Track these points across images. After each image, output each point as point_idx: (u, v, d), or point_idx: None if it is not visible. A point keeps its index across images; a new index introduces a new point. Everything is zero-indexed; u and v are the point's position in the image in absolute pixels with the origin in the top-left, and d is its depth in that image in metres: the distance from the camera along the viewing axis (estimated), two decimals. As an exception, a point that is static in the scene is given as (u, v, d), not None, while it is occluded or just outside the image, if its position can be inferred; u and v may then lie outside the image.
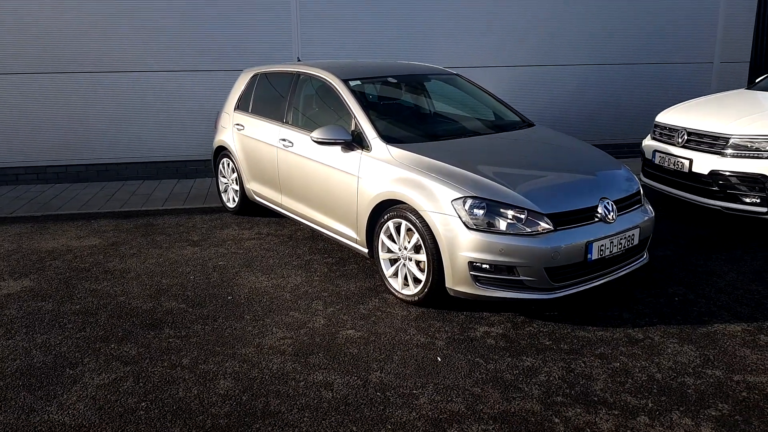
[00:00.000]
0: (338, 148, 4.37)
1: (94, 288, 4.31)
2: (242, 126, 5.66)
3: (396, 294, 4.01)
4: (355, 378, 3.12)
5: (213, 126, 6.39)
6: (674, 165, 5.51)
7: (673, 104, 6.32)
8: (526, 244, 3.47)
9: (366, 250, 4.26)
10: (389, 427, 2.74)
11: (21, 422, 2.80)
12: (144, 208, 6.27)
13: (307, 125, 4.91)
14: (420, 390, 3.01)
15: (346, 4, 7.59)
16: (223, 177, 6.13)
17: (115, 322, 3.79)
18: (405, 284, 3.96)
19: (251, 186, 5.64)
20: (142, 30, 7.28)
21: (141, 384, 3.09)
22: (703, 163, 5.22)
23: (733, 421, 2.75)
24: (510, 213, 3.54)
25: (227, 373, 3.18)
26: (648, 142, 6.03)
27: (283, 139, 5.00)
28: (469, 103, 5.31)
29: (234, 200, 6.01)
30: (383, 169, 4.04)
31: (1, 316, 3.89)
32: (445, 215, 3.61)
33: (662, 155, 5.68)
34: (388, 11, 7.69)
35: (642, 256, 4.11)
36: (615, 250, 3.74)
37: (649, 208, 4.17)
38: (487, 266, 3.53)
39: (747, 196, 4.98)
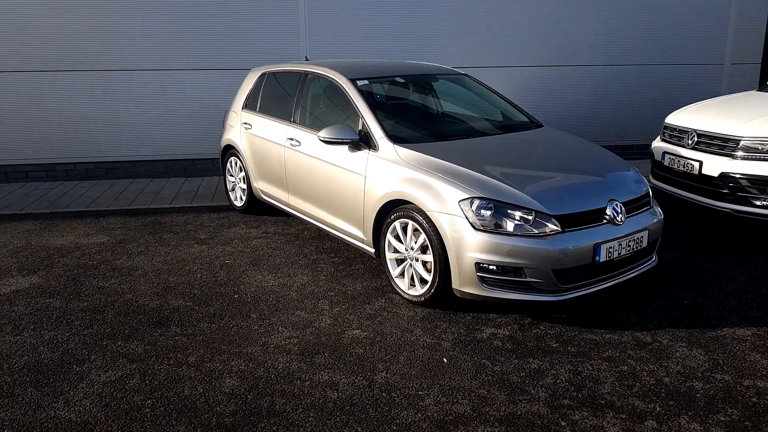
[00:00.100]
0: (345, 147, 4.37)
1: (102, 285, 4.32)
2: (250, 125, 5.67)
3: (402, 294, 4.00)
4: (361, 378, 3.12)
5: (221, 125, 6.40)
6: (684, 167, 5.47)
7: (683, 105, 6.27)
8: (533, 246, 3.45)
9: (372, 250, 4.25)
10: (394, 428, 2.73)
11: (28, 418, 2.82)
12: (152, 206, 6.29)
13: (315, 124, 4.91)
14: (426, 391, 3.00)
15: (355, 4, 7.59)
16: (231, 176, 6.14)
17: (122, 319, 3.80)
18: (411, 284, 3.95)
19: (258, 185, 5.65)
20: (151, 28, 7.31)
21: (147, 381, 3.10)
22: (714, 165, 5.18)
23: (743, 427, 2.73)
24: (517, 214, 3.52)
25: (233, 372, 3.18)
26: (657, 144, 5.99)
27: (291, 138, 5.00)
28: (477, 104, 5.29)
29: (241, 199, 6.02)
30: (390, 169, 4.03)
31: (9, 312, 3.91)
32: (452, 216, 3.60)
33: (672, 157, 5.64)
34: (396, 11, 7.68)
35: (651, 258, 4.08)
36: (623, 252, 3.71)
37: (658, 210, 4.14)
38: (494, 267, 3.51)
39: (757, 198, 4.93)
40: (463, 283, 3.60)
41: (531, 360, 3.28)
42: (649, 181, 5.84)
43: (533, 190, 3.65)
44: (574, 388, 3.02)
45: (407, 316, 3.79)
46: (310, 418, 2.80)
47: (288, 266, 4.63)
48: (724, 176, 5.09)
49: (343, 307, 3.93)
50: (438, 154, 3.99)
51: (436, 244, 3.66)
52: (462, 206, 3.58)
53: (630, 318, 3.75)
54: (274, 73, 5.72)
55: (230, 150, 6.05)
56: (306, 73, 5.21)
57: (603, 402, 2.91)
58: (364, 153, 4.25)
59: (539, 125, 4.95)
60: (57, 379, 3.13)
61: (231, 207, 6.20)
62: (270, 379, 3.12)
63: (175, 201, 6.52)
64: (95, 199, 6.64)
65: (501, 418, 2.79)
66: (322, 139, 4.34)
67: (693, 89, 8.47)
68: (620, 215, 3.70)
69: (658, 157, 5.88)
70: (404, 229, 3.93)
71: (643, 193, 4.02)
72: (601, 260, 3.60)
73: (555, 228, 3.50)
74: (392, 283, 4.08)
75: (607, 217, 3.66)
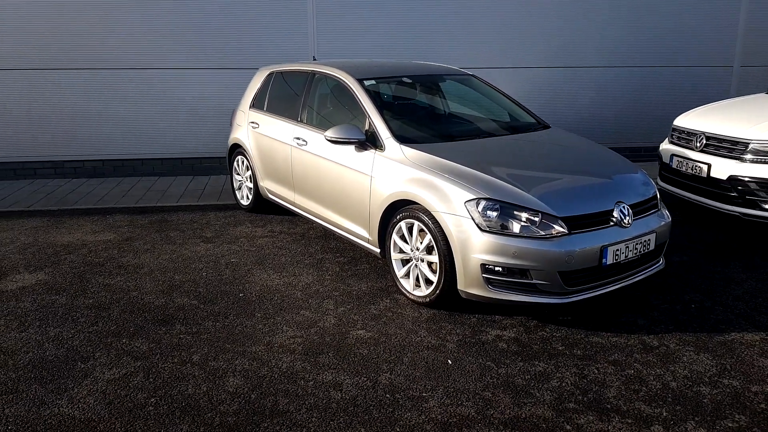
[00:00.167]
0: (352, 147, 4.36)
1: (108, 283, 4.33)
2: (257, 124, 5.67)
3: (407, 295, 3.99)
4: (365, 379, 3.10)
5: (229, 123, 6.41)
6: (692, 169, 5.43)
7: (692, 108, 6.23)
8: (539, 248, 3.43)
9: (378, 250, 4.24)
10: (398, 429, 2.72)
11: (32, 415, 2.82)
12: (159, 204, 6.31)
13: (322, 124, 4.90)
14: (430, 393, 2.99)
15: (363, 4, 7.58)
16: (238, 174, 6.15)
17: (127, 317, 3.81)
18: (416, 285, 3.94)
19: (265, 184, 5.65)
20: (159, 28, 7.33)
21: (151, 379, 3.10)
22: (722, 168, 5.14)
23: (749, 432, 2.70)
24: (524, 215, 3.50)
25: (237, 371, 3.17)
26: (666, 146, 5.95)
27: (297, 138, 5.00)
28: (484, 104, 5.27)
29: (248, 198, 6.02)
30: (396, 169, 4.02)
31: (15, 308, 3.92)
32: (458, 216, 3.58)
33: (680, 159, 5.60)
34: (404, 11, 7.67)
35: (658, 261, 4.05)
36: (630, 255, 3.68)
37: (666, 213, 4.11)
38: (500, 269, 3.49)
39: (766, 202, 4.89)
40: (469, 284, 3.59)
41: (536, 363, 3.26)
42: (656, 183, 5.80)
43: (540, 191, 3.63)
44: (580, 392, 3.00)
45: (412, 317, 3.77)
46: (313, 419, 2.79)
47: (293, 265, 4.63)
48: (732, 179, 5.05)
49: (348, 307, 3.93)
50: (444, 154, 3.97)
51: (442, 244, 3.65)
52: (468, 207, 3.56)
53: (637, 321, 3.72)
54: (281, 73, 5.72)
55: (237, 149, 6.05)
56: (313, 73, 5.20)
57: (609, 406, 2.88)
58: (371, 153, 4.24)
59: (546, 126, 4.93)
60: (61, 376, 3.13)
61: (237, 206, 6.21)
62: (274, 378, 3.11)
63: (182, 199, 6.53)
64: (103, 196, 6.66)
65: (505, 421, 2.77)
66: (328, 138, 4.33)
67: (702, 91, 8.42)
68: (627, 217, 3.67)
69: (666, 160, 5.84)
70: (410, 229, 3.91)
71: (650, 196, 3.99)
72: (607, 263, 3.57)
73: (561, 230, 3.48)
74: (397, 283, 4.07)
75: (614, 219, 3.64)
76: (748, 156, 5.00)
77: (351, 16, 7.60)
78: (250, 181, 5.90)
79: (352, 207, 4.40)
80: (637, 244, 3.70)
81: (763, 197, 4.91)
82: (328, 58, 7.08)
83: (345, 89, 4.73)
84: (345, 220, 4.54)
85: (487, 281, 3.53)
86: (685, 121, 5.83)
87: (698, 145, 5.44)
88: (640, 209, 3.84)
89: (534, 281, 3.48)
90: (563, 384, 3.06)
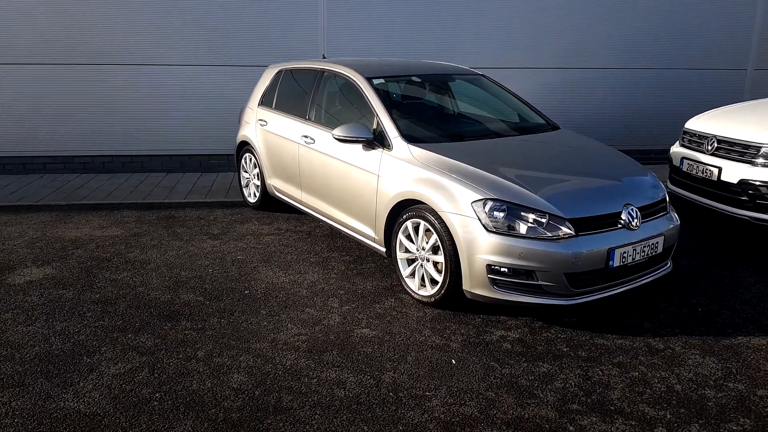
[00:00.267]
0: (359, 146, 4.36)
1: (114, 278, 4.36)
2: (265, 122, 5.68)
3: (412, 294, 3.99)
4: (368, 377, 3.10)
5: (237, 121, 6.43)
6: (703, 173, 5.39)
7: (703, 111, 6.18)
8: (546, 249, 3.41)
9: (384, 249, 4.24)
10: (401, 428, 2.72)
11: (38, 408, 2.84)
12: (166, 201, 6.33)
13: (330, 122, 4.90)
14: (433, 392, 2.99)
15: (374, 3, 7.58)
16: (245, 172, 6.16)
17: (134, 312, 3.82)
18: (422, 285, 3.93)
19: (272, 182, 5.66)
20: (168, 24, 7.35)
21: (156, 375, 3.11)
22: (733, 171, 5.10)
23: (755, 438, 2.68)
24: (531, 216, 3.49)
25: (241, 368, 3.18)
26: (676, 149, 5.91)
27: (305, 136, 5.01)
28: (494, 105, 5.26)
29: (255, 195, 6.03)
30: (403, 169, 4.02)
31: (22, 302, 3.95)
32: (465, 217, 3.57)
33: (690, 162, 5.56)
34: (415, 10, 7.66)
35: (665, 264, 4.02)
36: (638, 257, 3.66)
37: (675, 216, 4.08)
38: (506, 270, 3.48)
39: (777, 206, 4.85)
40: (474, 284, 3.58)
41: (540, 363, 3.25)
42: (666, 186, 5.77)
43: (548, 192, 3.61)
44: (584, 393, 2.98)
45: (417, 317, 3.77)
46: (316, 416, 2.79)
47: (299, 263, 4.64)
48: (743, 183, 5.01)
49: (353, 305, 3.93)
50: (452, 154, 3.97)
51: (448, 244, 3.64)
52: (475, 207, 3.56)
53: (643, 324, 3.70)
54: (290, 71, 5.73)
55: (245, 146, 6.07)
56: (322, 71, 5.21)
57: (612, 408, 2.87)
58: (378, 152, 4.23)
59: (556, 127, 4.91)
60: (67, 370, 3.15)
61: (244, 203, 6.23)
62: (278, 375, 3.12)
63: (190, 196, 6.56)
64: (111, 192, 6.70)
65: (508, 421, 2.76)
66: (336, 137, 4.33)
67: (714, 94, 8.34)
68: (635, 220, 3.65)
69: (676, 163, 5.80)
70: (416, 229, 3.91)
71: (659, 199, 3.97)
72: (614, 265, 3.55)
73: (569, 231, 3.46)
74: (402, 282, 4.07)
75: (622, 221, 3.62)
76: (760, 160, 4.96)
77: (362, 14, 7.60)
78: (258, 179, 5.91)
79: (359, 206, 4.40)
80: (644, 246, 3.68)
81: (773, 201, 4.87)
82: (338, 57, 7.09)
83: (353, 88, 4.73)
84: (351, 219, 4.54)
85: (493, 282, 3.52)
86: (696, 124, 5.79)
87: (709, 148, 5.40)
88: (648, 212, 3.82)
89: (540, 282, 3.47)
90: (567, 385, 3.05)
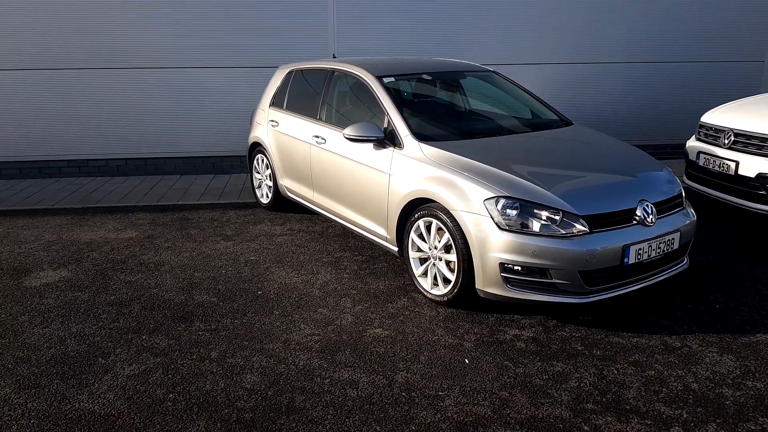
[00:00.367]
0: (370, 145, 4.35)
1: (129, 280, 4.39)
2: (277, 122, 5.69)
3: (425, 294, 3.97)
4: (381, 377, 3.09)
5: (249, 122, 6.45)
6: (719, 167, 5.31)
7: (720, 104, 6.09)
8: (560, 247, 3.38)
9: (396, 249, 4.22)
10: (413, 428, 2.70)
11: (53, 409, 2.87)
12: (180, 203, 6.38)
13: (341, 122, 4.89)
14: (446, 392, 2.97)
15: (384, 1, 7.56)
16: (258, 173, 6.18)
17: (148, 313, 3.85)
18: (434, 284, 3.91)
19: (284, 182, 5.67)
20: (181, 26, 7.40)
21: (170, 376, 3.13)
22: (751, 165, 5.01)
23: (775, 437, 2.63)
24: (544, 214, 3.45)
25: (254, 368, 3.19)
26: (692, 143, 5.83)
27: (317, 136, 5.00)
28: (506, 101, 5.21)
29: (267, 196, 6.05)
30: (415, 167, 4.00)
31: (39, 305, 3.99)
32: (477, 215, 3.55)
33: (707, 157, 5.48)
34: (426, 8, 7.63)
35: (682, 261, 3.97)
36: (653, 254, 3.61)
37: (691, 211, 4.02)
38: (519, 268, 3.45)
39: (796, 200, 4.76)
40: (487, 283, 3.55)
41: (555, 363, 3.22)
42: (682, 181, 5.69)
43: (561, 189, 3.57)
44: (599, 392, 2.95)
45: (429, 316, 3.75)
46: (329, 416, 2.79)
47: (311, 263, 4.64)
48: (761, 177, 4.92)
49: (366, 305, 3.92)
50: (464, 152, 3.94)
51: (460, 243, 3.62)
52: (487, 205, 3.53)
53: (659, 322, 3.65)
54: (301, 71, 5.73)
55: (257, 147, 6.08)
56: (333, 71, 5.20)
57: (628, 407, 2.83)
58: (389, 151, 4.22)
59: (569, 123, 4.86)
60: (82, 372, 3.18)
61: (257, 204, 6.25)
62: (290, 375, 3.12)
63: (203, 197, 6.59)
64: (125, 194, 6.75)
65: (522, 421, 2.74)
66: (347, 136, 4.32)
67: (731, 87, 8.21)
68: (651, 216, 3.60)
69: (692, 157, 5.72)
70: (428, 228, 3.89)
71: (675, 194, 3.91)
72: (629, 262, 3.51)
73: (583, 228, 3.42)
74: (415, 282, 4.05)
75: (637, 217, 3.57)
76: (777, 153, 4.87)
77: (372, 13, 7.59)
78: (270, 180, 5.92)
79: (371, 205, 4.39)
80: (660, 243, 3.63)
81: (792, 195, 4.78)
82: (349, 56, 7.08)
83: (364, 87, 4.71)
84: (363, 219, 4.53)
85: (506, 280, 3.49)
86: (712, 117, 5.70)
87: (726, 142, 5.32)
88: (664, 207, 3.76)
89: (554, 280, 3.43)
90: (582, 384, 3.02)
